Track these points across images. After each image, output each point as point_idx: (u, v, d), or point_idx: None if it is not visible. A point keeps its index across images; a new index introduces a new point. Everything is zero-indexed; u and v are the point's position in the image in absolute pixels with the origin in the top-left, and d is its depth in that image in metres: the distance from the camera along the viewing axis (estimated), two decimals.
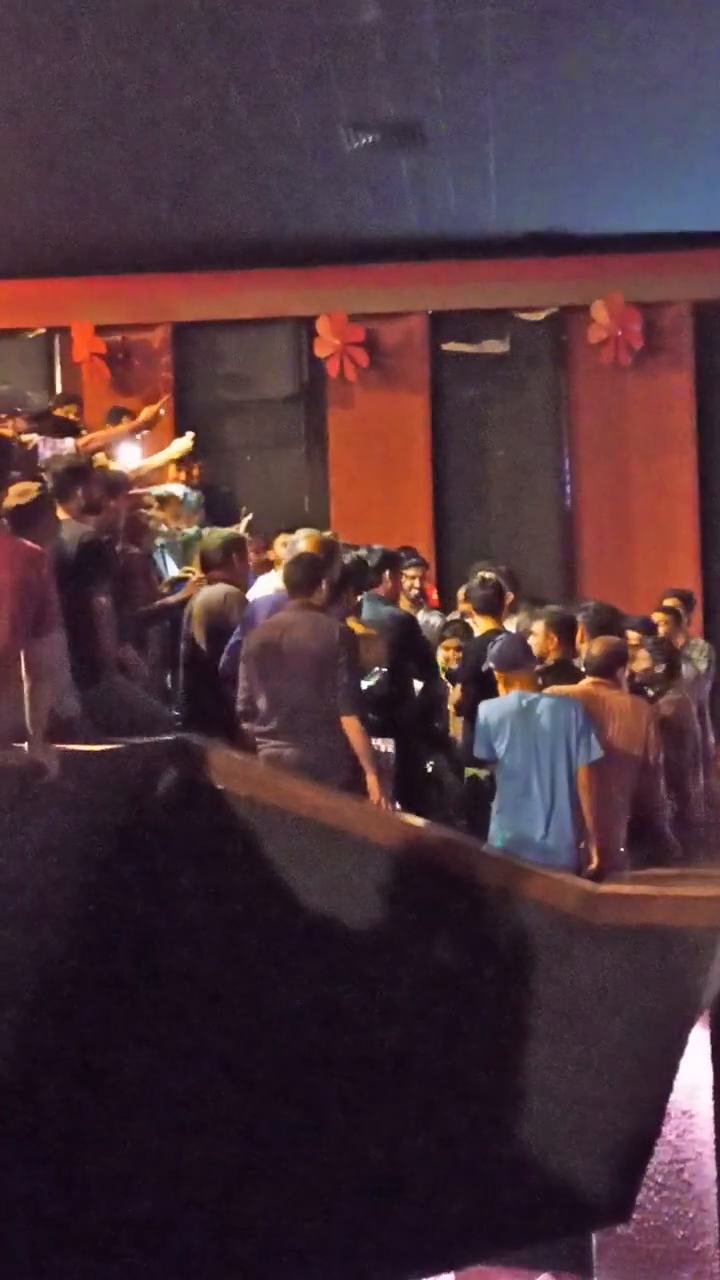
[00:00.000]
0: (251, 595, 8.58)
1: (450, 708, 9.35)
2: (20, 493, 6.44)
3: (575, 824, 7.71)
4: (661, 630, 10.19)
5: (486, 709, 7.88)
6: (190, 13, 8.94)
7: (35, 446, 9.14)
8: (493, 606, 9.14)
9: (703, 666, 10.96)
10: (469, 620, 9.79)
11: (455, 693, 9.18)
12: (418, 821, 7.06)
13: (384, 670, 8.25)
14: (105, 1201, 6.28)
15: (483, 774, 8.25)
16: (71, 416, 11.40)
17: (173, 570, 9.83)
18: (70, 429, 10.42)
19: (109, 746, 6.53)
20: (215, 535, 8.92)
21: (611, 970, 6.49)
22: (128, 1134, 6.30)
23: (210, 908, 6.46)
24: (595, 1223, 6.52)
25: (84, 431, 10.81)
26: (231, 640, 7.92)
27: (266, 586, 8.87)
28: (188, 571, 9.25)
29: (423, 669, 8.94)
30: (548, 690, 8.03)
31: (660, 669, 9.35)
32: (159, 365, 14.37)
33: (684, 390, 13.94)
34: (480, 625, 9.16)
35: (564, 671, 8.43)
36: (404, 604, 9.76)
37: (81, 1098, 6.25)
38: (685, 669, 9.96)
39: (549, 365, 14.13)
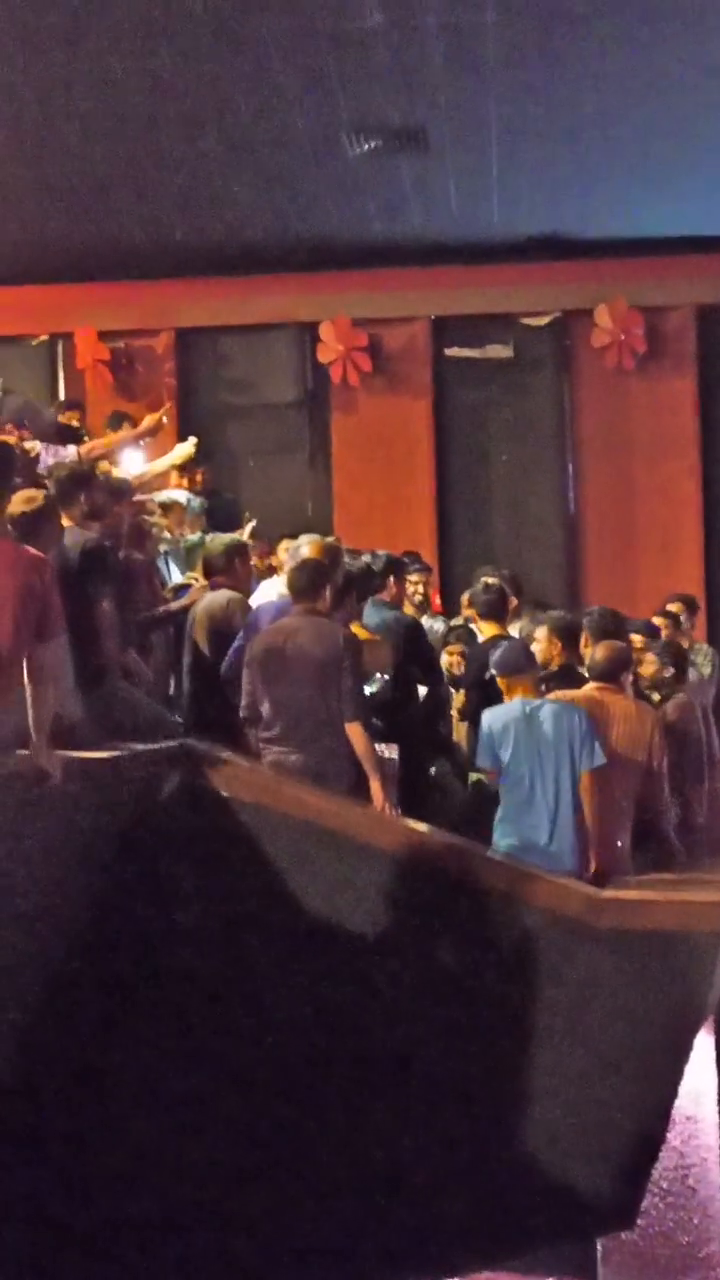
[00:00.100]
0: (254, 601, 8.57)
1: (454, 713, 9.35)
2: (26, 499, 6.43)
3: (579, 829, 7.69)
4: (663, 635, 10.19)
5: (490, 717, 7.86)
6: (193, 18, 8.94)
7: (38, 454, 9.13)
8: (496, 611, 9.13)
9: (707, 671, 10.95)
10: (472, 625, 9.79)
11: (459, 698, 9.16)
12: (421, 827, 7.05)
13: (385, 676, 8.24)
14: (105, 1201, 6.27)
15: (486, 779, 8.24)
16: (74, 423, 11.40)
17: (176, 576, 9.83)
18: (73, 435, 10.42)
19: (112, 752, 6.52)
20: (218, 541, 8.91)
21: (615, 975, 6.48)
22: (129, 1134, 6.30)
23: (214, 912, 6.46)
24: (600, 1228, 6.50)
25: (86, 438, 10.81)
26: (234, 645, 7.92)
27: (269, 592, 8.87)
28: (191, 577, 9.25)
29: (427, 674, 8.93)
30: (551, 696, 8.02)
31: (669, 672, 9.34)
32: (162, 371, 14.38)
33: (687, 394, 13.95)
34: (484, 630, 9.16)
35: (568, 677, 8.41)
36: (408, 609, 9.75)
37: (85, 1099, 6.25)
38: (690, 673, 9.95)
39: (552, 370, 14.13)
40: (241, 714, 7.48)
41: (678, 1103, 6.43)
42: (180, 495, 11.13)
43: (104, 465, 9.57)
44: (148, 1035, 6.34)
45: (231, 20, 9.01)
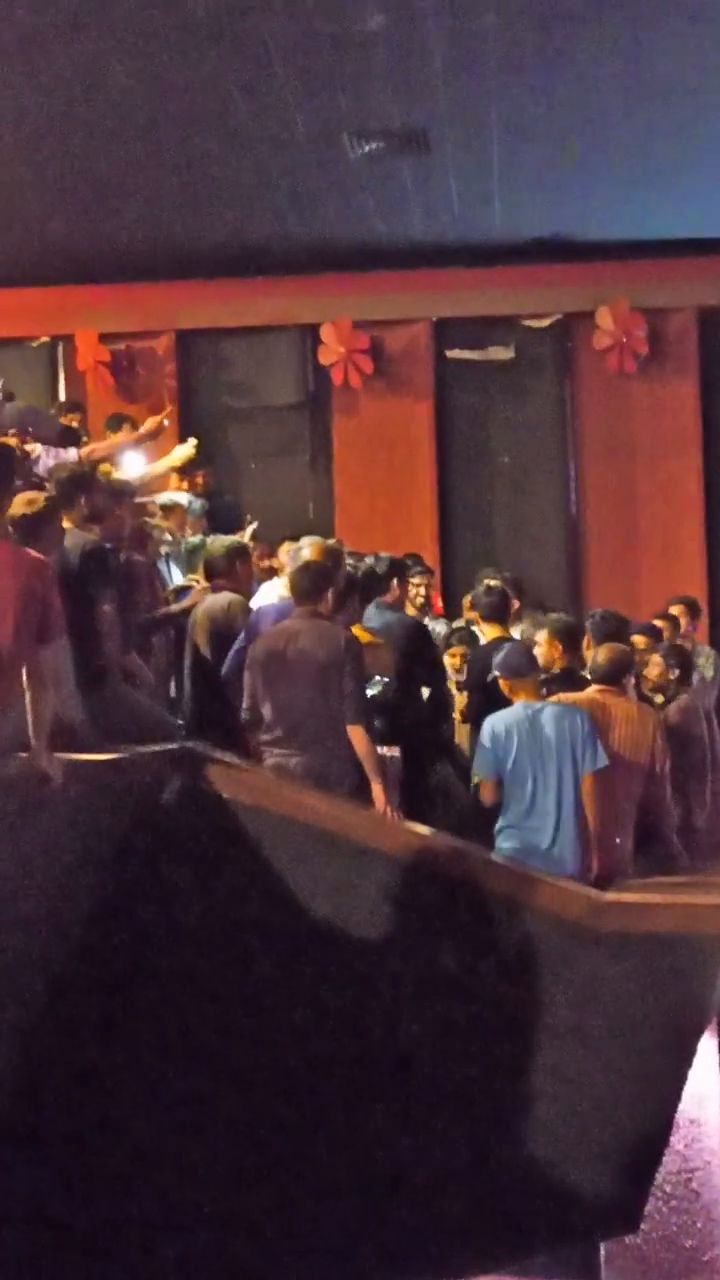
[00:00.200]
0: (255, 603, 8.57)
1: (456, 715, 9.33)
2: (27, 502, 6.42)
3: (581, 832, 7.68)
4: (664, 637, 10.19)
5: (492, 723, 7.83)
6: (194, 20, 8.93)
7: (39, 456, 9.13)
8: (499, 614, 9.13)
9: (709, 673, 10.95)
10: (474, 627, 9.78)
11: (461, 700, 9.14)
12: (423, 830, 7.04)
13: (386, 679, 8.22)
14: (105, 1201, 6.26)
15: (480, 793, 8.20)
16: (74, 425, 11.39)
17: (177, 578, 9.82)
18: (73, 437, 10.41)
19: (113, 755, 6.51)
20: (219, 543, 8.90)
21: (618, 979, 6.47)
22: (129, 1134, 6.29)
23: (214, 915, 6.45)
24: (603, 1232, 6.49)
25: (86, 440, 10.80)
26: (234, 647, 7.91)
27: (270, 594, 8.86)
28: (192, 579, 9.24)
29: (431, 676, 8.91)
30: (553, 698, 8.01)
31: (674, 675, 9.34)
32: (163, 373, 14.38)
33: (689, 396, 13.95)
34: (486, 632, 9.16)
35: (569, 680, 8.40)
36: (409, 611, 9.74)
37: (86, 1100, 6.24)
38: (692, 676, 9.95)
39: (554, 372, 14.13)
40: (243, 716, 7.47)
41: (681, 1106, 6.42)
42: (181, 497, 11.12)
43: (105, 468, 9.55)
44: (148, 1036, 6.33)
45: (232, 22, 9.00)
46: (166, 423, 11.38)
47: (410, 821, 7.21)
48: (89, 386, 14.28)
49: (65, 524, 7.09)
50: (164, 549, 10.05)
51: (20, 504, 6.37)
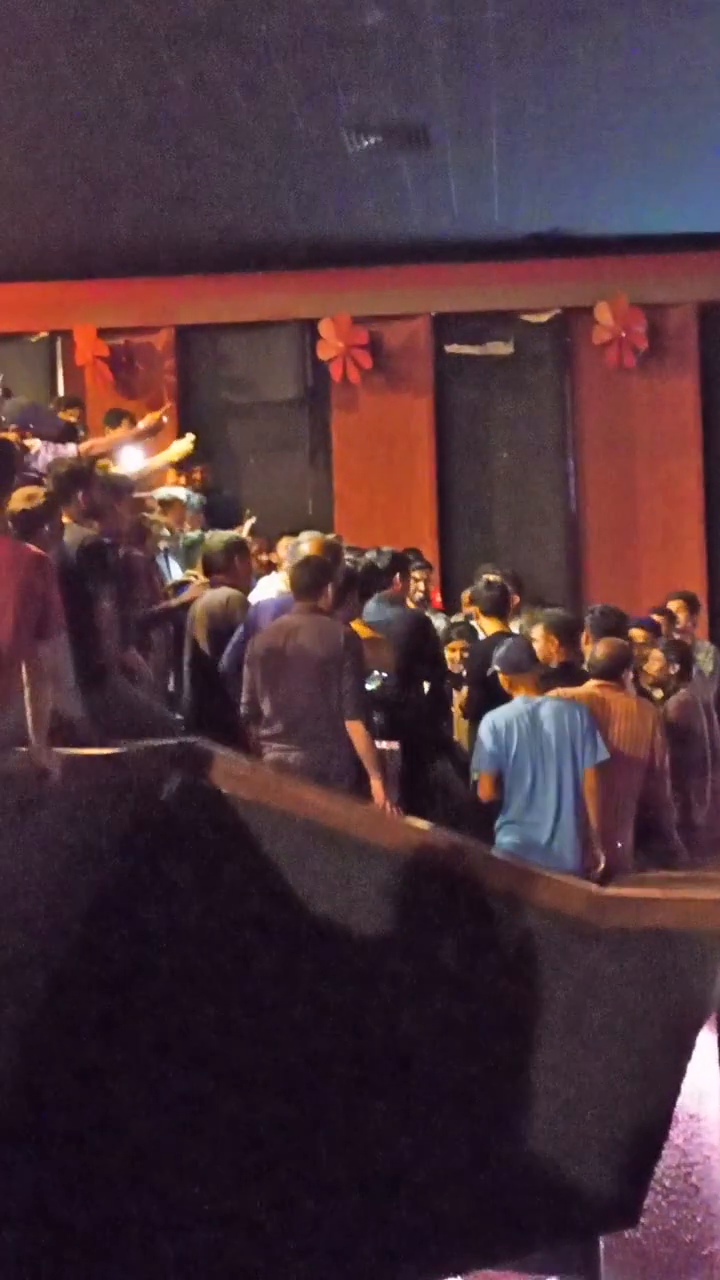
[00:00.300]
0: (253, 598, 8.56)
1: (456, 710, 9.33)
2: (26, 497, 6.41)
3: (581, 827, 7.68)
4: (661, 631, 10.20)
5: (492, 719, 7.83)
6: (193, 16, 8.93)
7: (38, 452, 9.12)
8: (499, 608, 9.13)
9: (708, 668, 10.95)
10: (473, 622, 9.78)
11: (461, 696, 9.14)
12: (423, 825, 7.04)
13: (384, 674, 8.22)
14: (105, 1201, 6.26)
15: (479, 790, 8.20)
16: (73, 420, 11.38)
17: (176, 573, 9.81)
18: (72, 433, 10.40)
19: (113, 750, 6.51)
20: (217, 539, 8.90)
21: (618, 974, 6.47)
22: (129, 1134, 6.29)
23: (214, 911, 6.44)
24: (603, 1227, 6.50)
25: (84, 436, 10.79)
26: (233, 642, 7.91)
27: (269, 589, 8.86)
28: (191, 575, 9.23)
29: (432, 671, 8.91)
30: (552, 693, 8.00)
31: (674, 670, 9.34)
32: (162, 369, 14.38)
33: (689, 392, 13.95)
34: (487, 627, 9.16)
35: (568, 675, 8.40)
36: (409, 606, 9.74)
37: (86, 1099, 6.24)
38: (692, 670, 9.95)
39: (553, 367, 14.13)
40: (242, 712, 7.48)
41: (680, 1101, 6.42)
42: (180, 492, 11.12)
43: (103, 463, 9.54)
44: (147, 1033, 6.33)
45: (231, 18, 9.00)
46: (165, 419, 11.37)
47: (410, 817, 7.21)
48: (88, 382, 14.28)
49: (64, 519, 7.09)
50: (163, 544, 10.04)
51: (20, 499, 6.36)
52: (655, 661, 9.31)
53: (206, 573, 8.61)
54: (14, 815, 5.67)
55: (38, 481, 7.63)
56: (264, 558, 10.66)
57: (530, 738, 7.71)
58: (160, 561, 9.74)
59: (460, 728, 9.25)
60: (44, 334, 14.51)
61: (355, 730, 7.24)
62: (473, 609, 9.86)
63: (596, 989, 6.48)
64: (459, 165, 11.47)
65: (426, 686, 8.80)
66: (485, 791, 7.80)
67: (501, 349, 14.12)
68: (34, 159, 11.20)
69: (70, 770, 5.87)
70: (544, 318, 14.06)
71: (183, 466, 11.50)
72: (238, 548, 8.65)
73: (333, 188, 11.92)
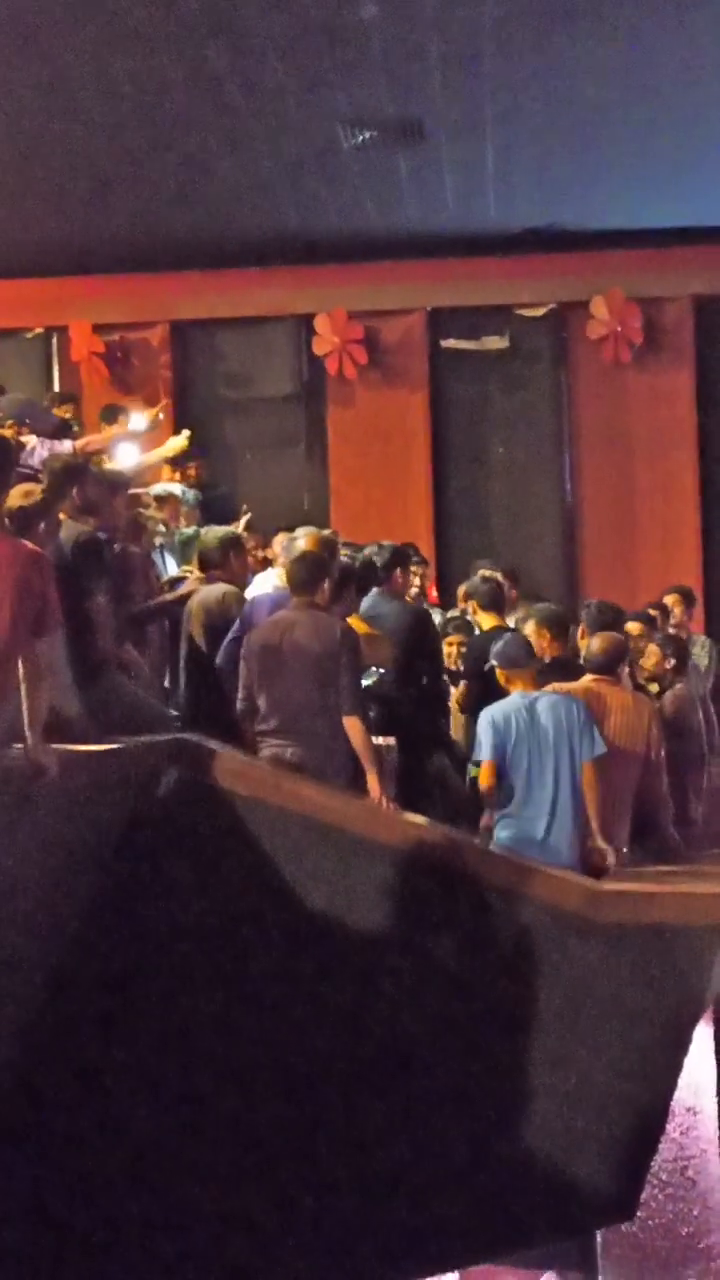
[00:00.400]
0: (249, 593, 8.56)
1: (453, 705, 9.33)
2: (24, 494, 6.42)
3: (577, 821, 7.68)
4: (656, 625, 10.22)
5: (490, 713, 7.83)
6: (189, 12, 8.91)
7: (33, 448, 9.11)
8: (497, 603, 9.16)
9: (704, 662, 10.96)
10: (470, 617, 9.78)
11: (458, 691, 9.15)
12: (419, 820, 7.04)
13: (382, 670, 8.22)
14: (105, 1201, 6.27)
15: (480, 782, 8.20)
16: (67, 416, 11.37)
17: (171, 569, 9.81)
18: (65, 429, 10.39)
19: (109, 747, 6.51)
20: (213, 534, 8.90)
21: (615, 968, 6.47)
22: (128, 1134, 6.29)
23: (211, 907, 6.44)
24: (600, 1220, 6.51)
25: (77, 430, 10.79)
26: (228, 637, 7.91)
27: (264, 584, 8.86)
28: (186, 571, 9.23)
29: (431, 667, 8.91)
30: (548, 688, 8.01)
31: (670, 664, 9.35)
32: (157, 364, 14.37)
33: (685, 386, 13.94)
34: (484, 622, 9.16)
35: (563, 669, 8.41)
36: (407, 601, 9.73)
37: (83, 1097, 6.24)
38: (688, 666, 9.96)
39: (549, 362, 14.12)
40: (239, 707, 7.47)
41: (677, 1095, 6.43)
42: (176, 488, 11.12)
43: (99, 459, 9.54)
44: (146, 1031, 6.33)
45: (227, 14, 8.98)
46: (162, 416, 11.38)
47: (407, 812, 7.21)
48: (83, 377, 14.26)
49: (60, 515, 7.09)
50: (158, 540, 10.04)
51: (17, 496, 6.36)
52: (651, 656, 9.32)
53: (202, 568, 8.61)
54: (11, 812, 5.67)
55: (33, 477, 7.62)
56: (260, 553, 10.65)
57: (528, 733, 7.71)
58: (156, 557, 9.74)
59: (456, 722, 9.24)
60: (40, 329, 14.49)
61: (352, 726, 7.24)
62: (469, 604, 9.86)
63: (593, 984, 6.48)
64: (455, 160, 11.46)
65: (424, 681, 8.80)
66: (486, 779, 7.79)
67: (497, 344, 14.11)
68: (29, 154, 11.18)
69: (67, 766, 5.88)
70: (540, 312, 14.04)
71: (178, 462, 11.50)
72: (233, 543, 8.65)
73: (328, 183, 11.91)
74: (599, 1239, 6.55)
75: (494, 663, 8.09)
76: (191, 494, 11.46)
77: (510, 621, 9.19)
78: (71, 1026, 6.15)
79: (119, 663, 7.61)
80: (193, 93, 10.15)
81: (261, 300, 14.02)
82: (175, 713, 8.07)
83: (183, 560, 9.98)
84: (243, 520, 10.97)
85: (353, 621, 7.85)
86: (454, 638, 9.83)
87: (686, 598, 11.56)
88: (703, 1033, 6.46)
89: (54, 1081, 6.15)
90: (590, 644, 8.37)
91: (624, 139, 11.09)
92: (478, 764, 8.01)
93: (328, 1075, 6.41)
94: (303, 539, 8.06)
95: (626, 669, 8.54)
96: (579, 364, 14.05)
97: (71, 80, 9.87)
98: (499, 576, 9.92)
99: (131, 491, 9.36)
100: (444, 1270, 6.65)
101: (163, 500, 10.68)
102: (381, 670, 8.22)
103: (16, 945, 5.82)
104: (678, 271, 13.69)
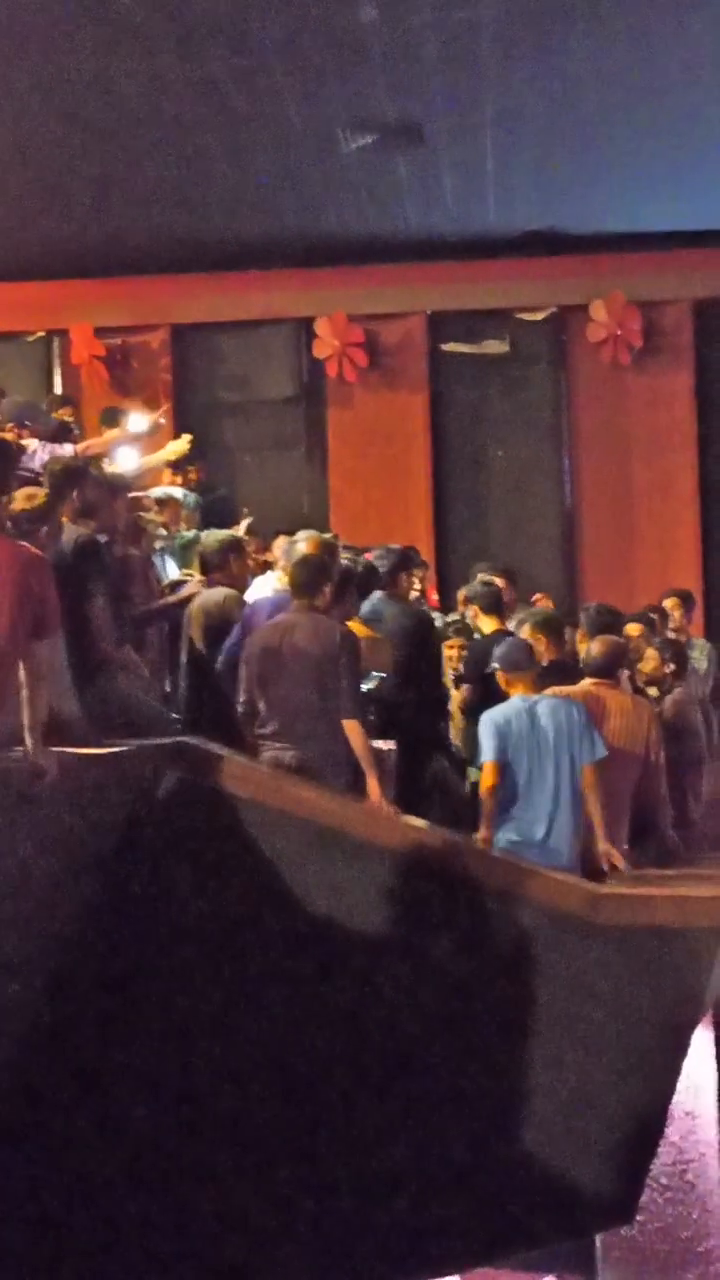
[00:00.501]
0: (249, 596, 8.57)
1: (454, 708, 9.33)
2: (27, 497, 6.43)
3: (577, 824, 7.69)
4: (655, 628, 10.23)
5: (492, 716, 7.84)
6: (189, 15, 8.92)
7: (34, 451, 9.12)
8: (498, 606, 9.16)
9: (703, 666, 10.96)
10: (470, 620, 9.78)
11: (459, 693, 9.15)
12: (419, 824, 7.04)
13: (383, 674, 8.22)
14: (104, 1201, 6.26)
15: (481, 784, 8.20)
16: (67, 419, 11.38)
17: (172, 572, 9.82)
18: (65, 431, 10.40)
19: (109, 749, 6.51)
20: (213, 537, 8.90)
21: (614, 970, 6.47)
22: (127, 1134, 6.29)
23: (210, 910, 6.44)
24: (599, 1223, 6.50)
25: (76, 431, 10.79)
26: (229, 640, 7.91)
27: (264, 587, 8.86)
28: (187, 574, 9.23)
29: (432, 670, 8.91)
30: (548, 691, 8.02)
31: (669, 668, 9.36)
32: (158, 367, 14.37)
33: (684, 389, 13.94)
34: (484, 625, 9.16)
35: (561, 672, 8.42)
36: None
37: (83, 1099, 6.24)
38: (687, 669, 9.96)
39: (549, 365, 14.12)
40: (239, 710, 7.48)
41: (676, 1097, 6.43)
42: (176, 491, 11.12)
43: (99, 462, 9.55)
44: (146, 1033, 6.33)
45: (226, 17, 8.99)
46: (162, 421, 11.38)
47: (406, 816, 7.22)
48: (84, 381, 14.27)
49: (61, 519, 7.10)
50: (158, 543, 10.05)
51: (20, 499, 6.38)
52: (650, 659, 9.33)
53: (203, 572, 8.61)
54: (11, 814, 5.68)
55: (34, 480, 7.63)
56: (260, 556, 10.66)
57: (529, 735, 7.72)
58: (156, 560, 9.75)
59: (456, 726, 9.25)
60: (40, 333, 14.50)
61: (351, 729, 7.25)
62: (469, 607, 9.86)
63: (593, 986, 6.48)
64: (454, 163, 11.47)
65: (424, 685, 8.80)
66: (489, 780, 7.78)
67: (497, 347, 14.11)
68: (29, 158, 11.19)
69: (67, 769, 5.88)
70: (539, 315, 14.05)
71: (178, 465, 11.50)
72: (234, 546, 8.65)
73: (328, 186, 11.92)
74: (598, 1242, 6.55)
75: (495, 666, 8.09)
76: (192, 497, 11.47)
77: (510, 624, 9.19)
78: (72, 1028, 6.15)
79: (119, 665, 7.62)
80: (193, 95, 10.16)
81: (261, 303, 14.03)
82: (175, 715, 8.08)
83: (183, 563, 9.98)
84: (243, 523, 10.97)
85: (353, 625, 7.86)
86: (454, 641, 9.83)
87: (685, 601, 11.55)
88: (702, 1035, 6.46)
89: (53, 1082, 6.15)
90: (590, 647, 8.38)
91: (624, 141, 11.10)
92: (479, 767, 8.02)
93: (328, 1077, 6.41)
94: (303, 542, 8.06)
95: (626, 672, 8.55)
96: (579, 367, 14.05)
97: (71, 81, 9.87)
98: (499, 581, 9.92)
99: (132, 494, 9.37)
100: (443, 1272, 6.64)
101: (163, 503, 10.69)
102: (382, 674, 8.22)
103: (17, 947, 5.82)
104: (678, 274, 13.70)
